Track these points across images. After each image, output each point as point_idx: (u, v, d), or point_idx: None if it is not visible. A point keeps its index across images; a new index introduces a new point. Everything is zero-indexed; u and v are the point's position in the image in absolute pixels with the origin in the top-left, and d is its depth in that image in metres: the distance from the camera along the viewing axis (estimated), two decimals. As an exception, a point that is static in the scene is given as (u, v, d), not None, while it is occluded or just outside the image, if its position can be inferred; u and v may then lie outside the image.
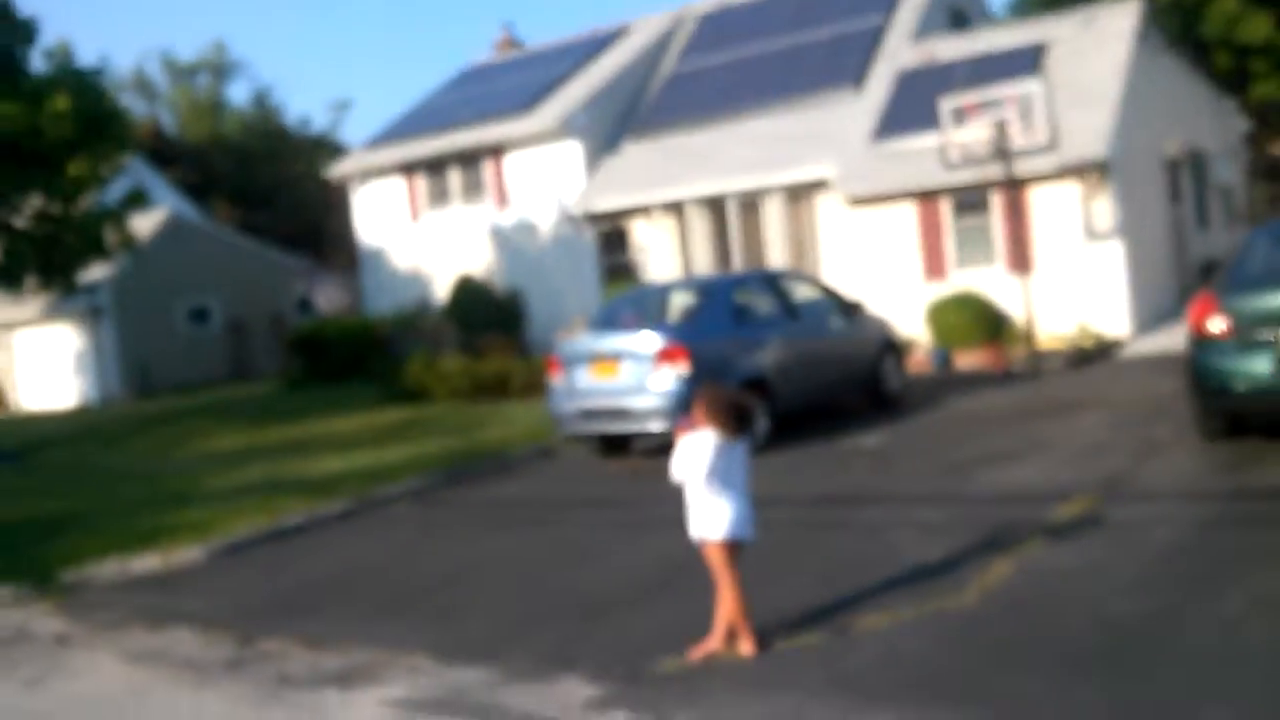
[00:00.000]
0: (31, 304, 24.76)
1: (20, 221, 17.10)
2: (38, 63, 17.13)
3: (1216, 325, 8.20)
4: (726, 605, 5.29)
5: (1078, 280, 16.11)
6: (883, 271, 17.63)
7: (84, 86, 16.63)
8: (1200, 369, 8.28)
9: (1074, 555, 6.21)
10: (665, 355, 10.53)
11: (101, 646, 6.96)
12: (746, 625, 5.27)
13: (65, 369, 29.04)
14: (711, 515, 5.27)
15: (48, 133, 15.63)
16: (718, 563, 5.29)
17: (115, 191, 18.26)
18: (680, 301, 12.35)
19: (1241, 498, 7.26)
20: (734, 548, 5.30)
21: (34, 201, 17.08)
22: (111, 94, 19.33)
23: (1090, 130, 15.91)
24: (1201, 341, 8.30)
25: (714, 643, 5.30)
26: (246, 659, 6.26)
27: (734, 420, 5.27)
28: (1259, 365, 7.89)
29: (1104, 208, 15.87)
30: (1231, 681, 4.34)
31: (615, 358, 10.91)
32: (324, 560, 8.59)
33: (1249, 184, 24.39)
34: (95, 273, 19.25)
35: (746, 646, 5.23)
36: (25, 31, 16.81)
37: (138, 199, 18.11)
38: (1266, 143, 27.81)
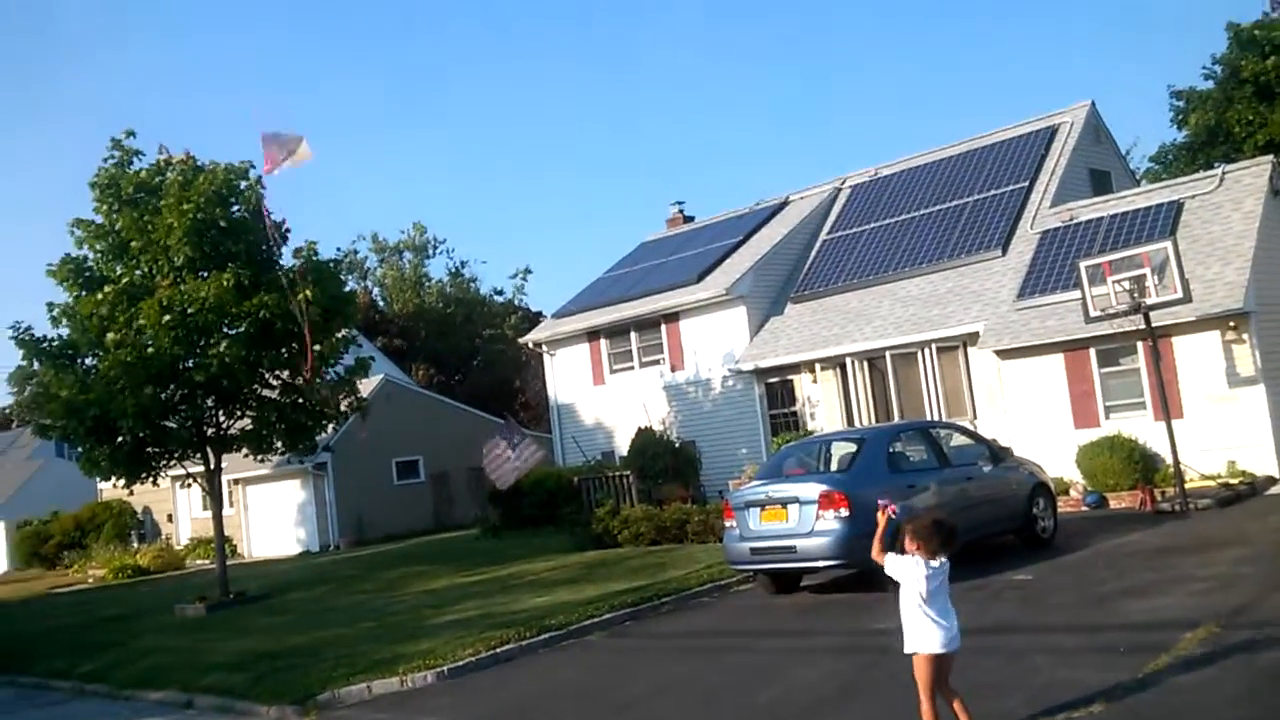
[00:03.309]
0: (264, 462, 28.02)
1: (269, 393, 19.90)
2: (288, 259, 20.17)
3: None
4: (924, 713, 6.11)
5: (1224, 423, 16.76)
6: (1034, 418, 18.63)
7: (324, 276, 19.45)
8: None
9: (1192, 674, 7.02)
10: (828, 500, 11.68)
11: (361, 752, 8.39)
12: None
13: (289, 519, 32.26)
14: (922, 631, 6.10)
15: (297, 317, 18.32)
16: (919, 674, 6.09)
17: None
18: (840, 451, 13.54)
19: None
20: (942, 661, 6.10)
21: (281, 375, 19.88)
22: (343, 281, 22.33)
23: (1226, 283, 16.86)
24: None
25: None
26: (481, 759, 7.61)
27: (939, 539, 6.13)
28: None
29: (1245, 354, 16.63)
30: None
31: (783, 503, 12.10)
32: (534, 682, 9.98)
33: None
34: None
35: None
36: (279, 233, 19.94)
37: (363, 367, 20.68)
38: None
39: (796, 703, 7.79)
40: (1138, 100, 72.47)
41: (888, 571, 6.30)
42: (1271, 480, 16.24)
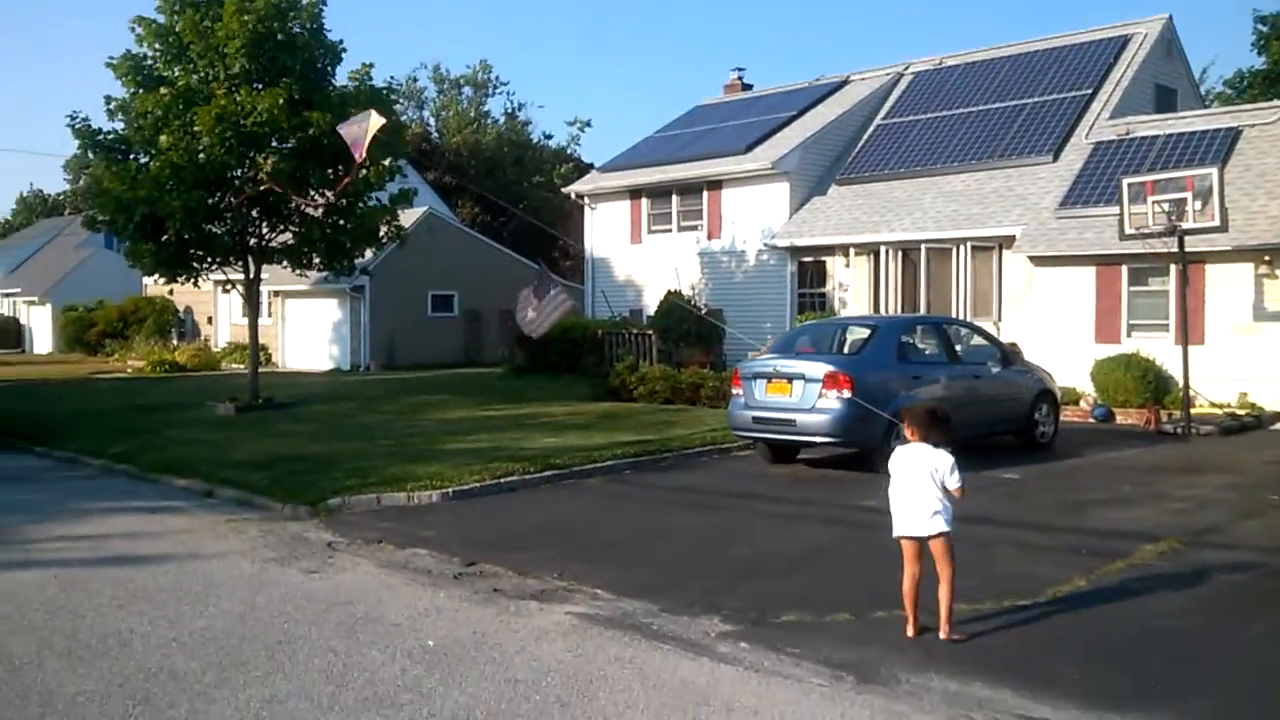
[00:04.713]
0: (304, 277, 28.65)
1: (314, 211, 20.32)
2: (341, 79, 20.34)
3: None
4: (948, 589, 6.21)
5: (1242, 354, 16.90)
6: (1058, 328, 18.80)
7: (377, 101, 19.56)
8: None
9: (1141, 582, 7.37)
10: (832, 380, 12.07)
11: (361, 554, 8.79)
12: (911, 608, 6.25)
13: (323, 336, 33.16)
14: (937, 512, 6.20)
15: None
16: (942, 552, 6.20)
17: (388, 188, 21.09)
18: (854, 335, 13.90)
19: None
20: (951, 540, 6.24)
21: (325, 193, 20.25)
22: (397, 110, 22.48)
23: (1270, 216, 16.72)
24: None
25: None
26: (469, 574, 7.97)
27: (928, 424, 6.27)
28: None
29: (1275, 289, 16.60)
30: (1229, 679, 5.58)
31: (789, 378, 12.52)
32: (531, 513, 10.55)
33: None
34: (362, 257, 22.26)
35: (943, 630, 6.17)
36: (333, 53, 20.06)
37: (407, 197, 21.00)
38: None
39: (769, 560, 8.30)
40: (1221, 20, 69.26)
41: (891, 464, 6.43)
42: (1278, 416, 16.44)
